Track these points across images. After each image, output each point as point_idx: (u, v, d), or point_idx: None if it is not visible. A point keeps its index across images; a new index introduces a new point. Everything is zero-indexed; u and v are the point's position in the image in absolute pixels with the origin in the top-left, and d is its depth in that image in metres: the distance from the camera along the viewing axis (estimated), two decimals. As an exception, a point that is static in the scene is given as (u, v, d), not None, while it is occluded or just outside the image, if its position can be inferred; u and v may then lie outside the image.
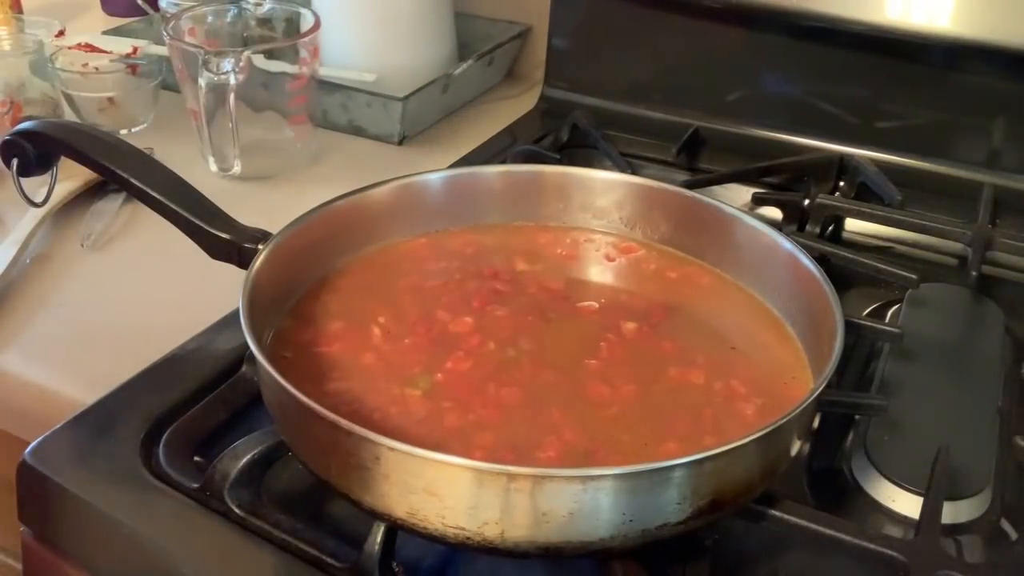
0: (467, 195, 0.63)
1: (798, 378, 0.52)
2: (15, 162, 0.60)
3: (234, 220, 0.57)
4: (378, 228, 0.60)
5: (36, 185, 0.63)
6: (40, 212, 0.73)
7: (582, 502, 0.40)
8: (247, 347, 0.51)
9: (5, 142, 0.59)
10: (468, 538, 0.41)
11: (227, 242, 0.55)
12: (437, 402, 0.49)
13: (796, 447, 0.47)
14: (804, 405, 0.44)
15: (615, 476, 0.40)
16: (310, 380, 0.50)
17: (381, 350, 0.52)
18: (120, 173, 0.57)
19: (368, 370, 0.51)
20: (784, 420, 0.43)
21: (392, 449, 0.40)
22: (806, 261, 0.54)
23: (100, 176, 0.60)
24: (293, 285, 0.56)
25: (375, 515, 0.43)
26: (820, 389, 0.45)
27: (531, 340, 0.53)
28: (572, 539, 0.41)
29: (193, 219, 0.56)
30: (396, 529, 0.43)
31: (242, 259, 0.54)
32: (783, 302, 0.56)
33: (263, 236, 0.55)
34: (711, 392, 0.50)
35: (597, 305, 0.57)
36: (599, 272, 0.61)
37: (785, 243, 0.56)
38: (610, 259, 0.61)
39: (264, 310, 0.52)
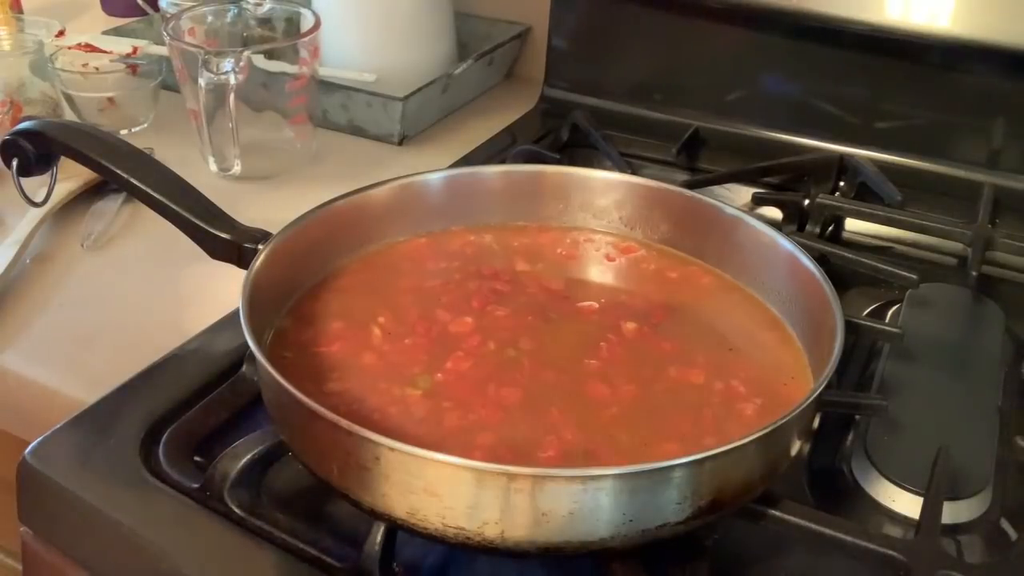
0: (467, 195, 0.63)
1: (798, 378, 0.52)
2: (15, 162, 0.60)
3: (234, 220, 0.57)
4: (378, 228, 0.60)
5: (36, 185, 0.63)
6: (40, 212, 0.73)
7: (582, 502, 0.40)
8: (247, 347, 0.51)
9: (5, 142, 0.59)
10: (468, 538, 0.41)
11: (227, 242, 0.55)
12: (437, 402, 0.49)
13: (796, 447, 0.47)
14: (804, 405, 0.44)
15: (615, 476, 0.40)
16: (310, 380, 0.50)
17: (381, 350, 0.52)
18: (120, 173, 0.57)
19: (368, 370, 0.51)
20: (784, 420, 0.43)
21: (392, 449, 0.40)
22: (806, 261, 0.54)
23: (100, 176, 0.60)
24: (293, 285, 0.56)
25: (375, 515, 0.43)
26: (820, 389, 0.45)
27: (531, 340, 0.53)
28: (572, 539, 0.41)
29: (193, 219, 0.56)
30: (396, 529, 0.43)
31: (242, 259, 0.54)
32: (783, 302, 0.56)
33: (263, 236, 0.55)
34: (711, 392, 0.50)
35: (597, 305, 0.57)
36: (599, 272, 0.61)
37: (785, 243, 0.56)
38: (610, 259, 0.61)
39: (264, 310, 0.52)
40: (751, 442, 0.42)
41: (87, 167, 0.58)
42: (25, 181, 0.61)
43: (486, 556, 0.47)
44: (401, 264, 0.60)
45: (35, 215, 0.73)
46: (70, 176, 0.75)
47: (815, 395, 0.45)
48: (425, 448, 0.40)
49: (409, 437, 0.46)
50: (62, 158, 0.61)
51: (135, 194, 0.57)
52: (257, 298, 0.50)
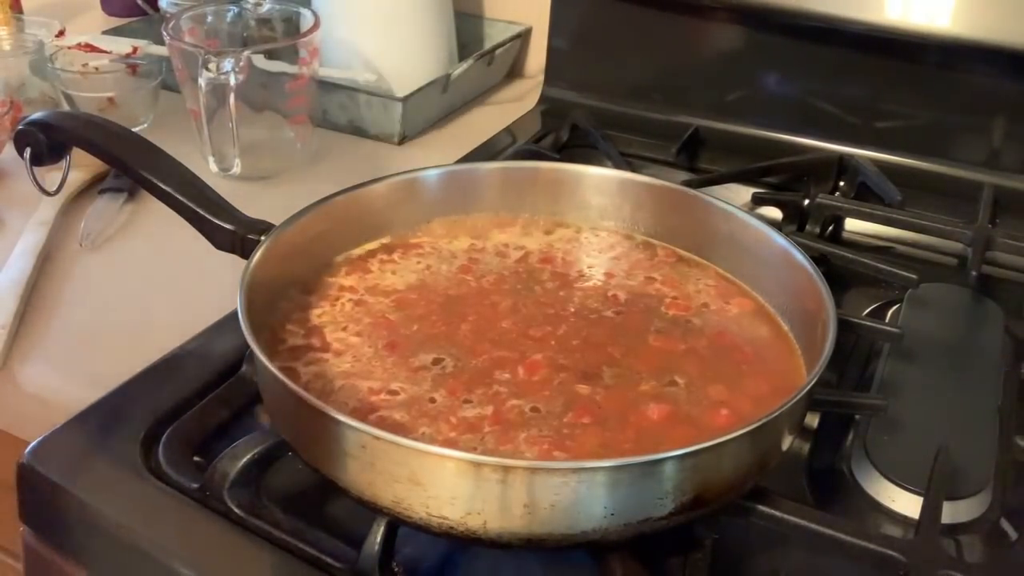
0: (466, 191, 0.63)
1: (792, 374, 0.52)
2: (28, 151, 0.60)
3: (238, 211, 0.57)
4: (378, 223, 0.61)
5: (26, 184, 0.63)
6: (59, 198, 0.74)
7: (563, 495, 0.40)
8: (247, 347, 0.51)
9: (19, 132, 0.60)
10: (452, 528, 0.41)
11: (230, 232, 0.56)
12: (439, 394, 0.49)
13: (787, 443, 0.46)
14: (793, 400, 0.44)
15: (595, 469, 0.40)
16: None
17: (382, 344, 0.52)
18: (128, 163, 0.58)
19: (368, 363, 0.51)
20: (773, 415, 0.43)
21: (377, 438, 0.41)
22: (799, 256, 0.54)
23: (109, 167, 0.60)
24: (293, 278, 0.56)
25: (363, 503, 0.43)
26: (811, 385, 0.45)
27: (535, 332, 0.54)
28: (554, 531, 0.41)
29: (198, 209, 0.56)
30: (393, 525, 0.43)
31: (244, 250, 0.55)
32: (780, 300, 0.56)
33: (266, 227, 0.55)
34: (703, 394, 0.50)
35: (595, 301, 0.57)
36: (595, 268, 0.60)
37: (778, 239, 0.56)
38: (605, 255, 0.61)
39: (263, 302, 0.52)
40: (737, 438, 0.42)
41: (97, 157, 0.59)
42: (38, 170, 0.62)
43: (486, 556, 0.47)
44: (402, 258, 0.60)
45: (54, 201, 0.74)
46: (79, 166, 0.76)
47: (805, 390, 0.45)
48: (416, 439, 0.40)
49: (406, 430, 0.46)
50: (74, 148, 0.62)
51: (141, 183, 0.58)
52: (256, 289, 0.50)
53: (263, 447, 0.48)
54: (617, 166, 0.78)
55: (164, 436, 0.52)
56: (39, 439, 0.52)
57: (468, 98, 0.98)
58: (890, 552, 0.44)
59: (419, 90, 0.89)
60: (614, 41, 0.88)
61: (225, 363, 0.57)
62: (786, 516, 0.46)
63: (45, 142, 0.60)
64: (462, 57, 0.97)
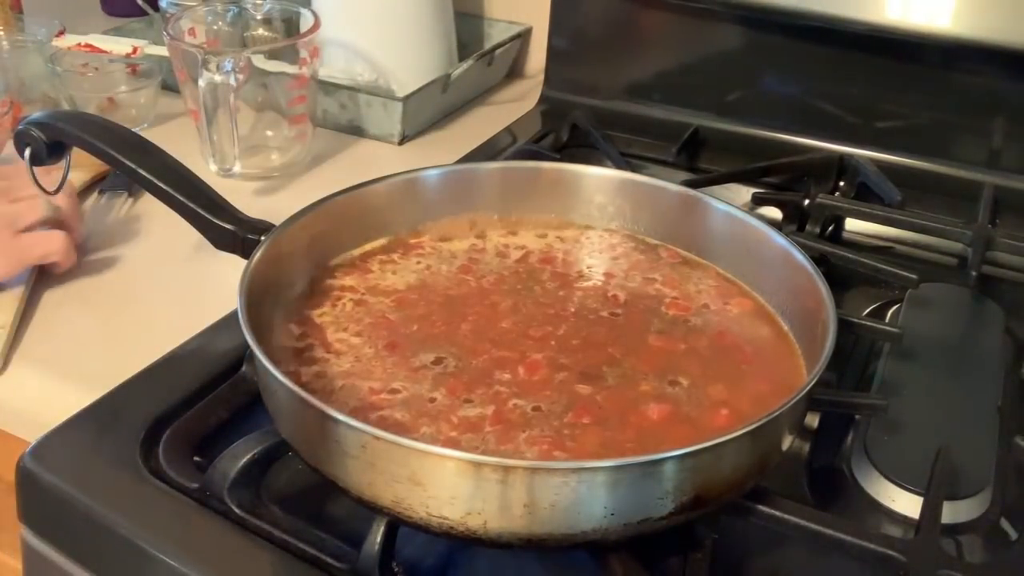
0: (466, 190, 0.63)
1: (792, 374, 0.52)
2: (28, 151, 0.60)
3: (238, 211, 0.57)
4: (379, 223, 0.61)
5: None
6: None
7: (563, 495, 0.40)
8: (247, 347, 0.51)
9: (18, 132, 0.60)
10: (452, 528, 0.41)
11: (231, 232, 0.56)
12: (440, 394, 0.49)
13: (787, 443, 0.47)
14: (793, 400, 0.44)
15: (594, 469, 0.40)
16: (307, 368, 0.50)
17: (382, 344, 0.52)
18: (128, 163, 0.58)
19: (368, 363, 0.51)
20: (773, 415, 0.43)
21: (377, 438, 0.41)
22: (799, 256, 0.54)
23: (108, 167, 0.60)
24: (294, 278, 0.56)
25: (363, 503, 0.43)
26: (811, 385, 0.45)
27: (535, 332, 0.54)
28: (554, 531, 0.41)
29: (198, 209, 0.57)
30: (395, 527, 0.43)
31: (245, 250, 0.55)
32: (780, 300, 0.56)
33: (266, 228, 0.55)
34: (703, 394, 0.50)
35: (595, 301, 0.57)
36: (595, 268, 0.60)
37: (778, 239, 0.56)
38: (605, 255, 0.61)
39: (264, 301, 0.52)
40: (737, 438, 0.42)
41: (96, 156, 0.59)
42: (38, 170, 0.62)
43: (486, 556, 0.47)
44: (403, 258, 0.60)
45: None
46: (79, 166, 0.76)
47: (805, 390, 0.45)
48: (416, 439, 0.40)
49: (409, 430, 0.46)
50: (74, 148, 0.62)
51: (142, 183, 0.58)
52: (256, 289, 0.50)
53: (263, 447, 0.48)
54: (617, 166, 0.78)
55: (164, 436, 0.52)
56: (39, 439, 0.52)
57: (468, 98, 0.98)
58: (890, 552, 0.44)
59: (419, 90, 0.89)
60: (614, 41, 0.89)
61: (225, 363, 0.57)
62: (786, 516, 0.46)
63: (45, 142, 0.60)
64: (462, 57, 0.97)
